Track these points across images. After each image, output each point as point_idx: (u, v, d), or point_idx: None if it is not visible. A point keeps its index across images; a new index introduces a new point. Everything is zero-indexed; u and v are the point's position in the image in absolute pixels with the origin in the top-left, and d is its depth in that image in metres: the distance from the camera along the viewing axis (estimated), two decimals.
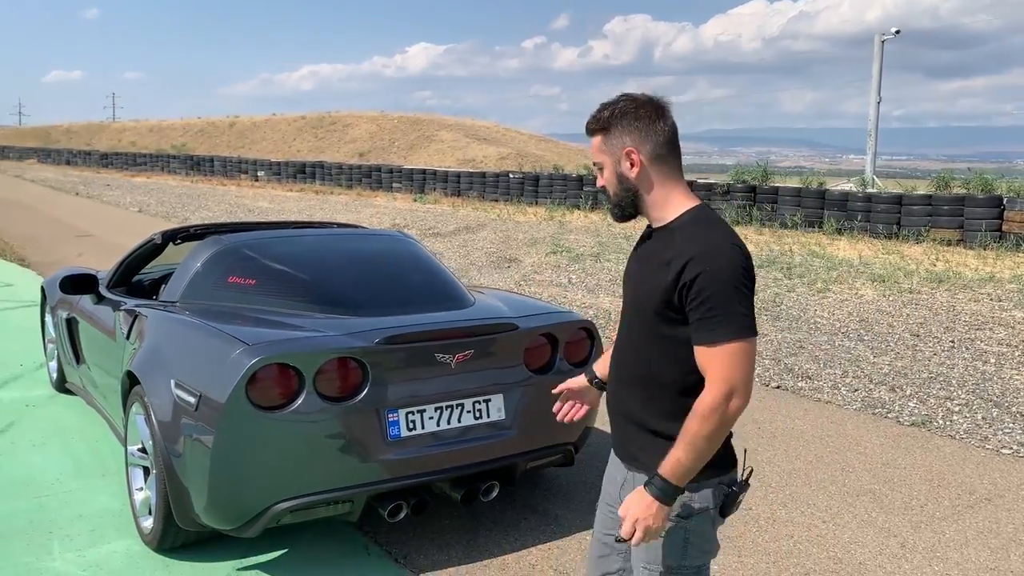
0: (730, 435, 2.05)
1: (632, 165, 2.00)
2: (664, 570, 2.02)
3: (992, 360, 7.10)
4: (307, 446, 3.14)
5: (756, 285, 1.98)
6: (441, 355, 3.37)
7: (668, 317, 1.96)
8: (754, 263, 1.98)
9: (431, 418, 3.36)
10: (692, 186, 19.53)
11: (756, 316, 1.94)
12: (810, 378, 6.52)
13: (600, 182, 2.10)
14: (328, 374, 3.18)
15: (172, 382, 3.30)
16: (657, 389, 2.01)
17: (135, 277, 5.07)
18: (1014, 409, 5.68)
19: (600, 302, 9.50)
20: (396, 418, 3.29)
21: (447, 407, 3.40)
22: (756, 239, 15.29)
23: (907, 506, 4.12)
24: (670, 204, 2.01)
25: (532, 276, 11.38)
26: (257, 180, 34.71)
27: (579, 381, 2.44)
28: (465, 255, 13.56)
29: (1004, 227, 15.02)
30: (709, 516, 2.03)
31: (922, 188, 18.06)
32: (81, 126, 73.87)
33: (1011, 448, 4.94)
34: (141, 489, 3.67)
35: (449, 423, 3.40)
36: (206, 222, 6.28)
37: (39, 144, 61.73)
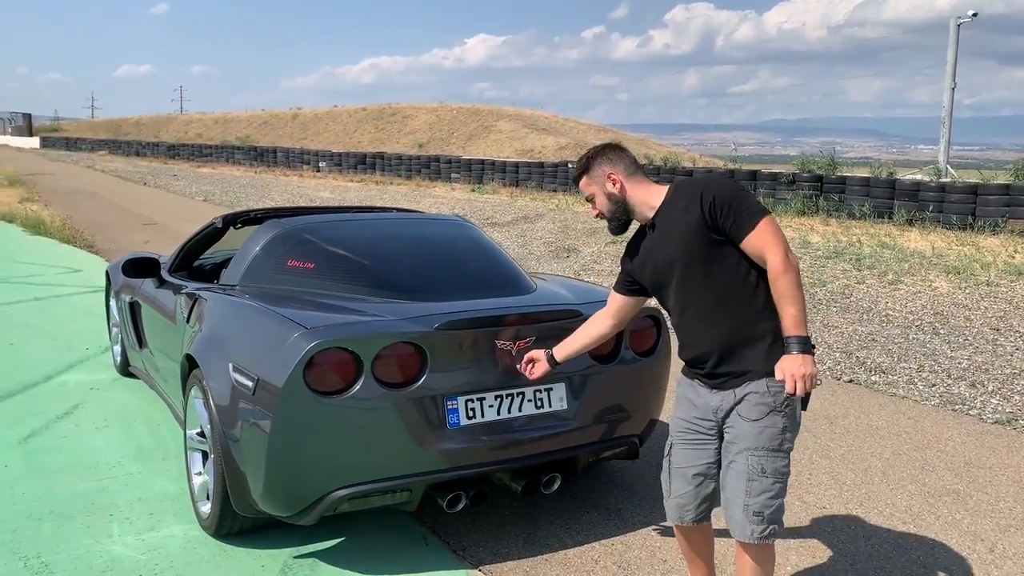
0: None
1: (614, 183, 2.69)
2: (767, 451, 2.51)
3: None
4: (365, 433, 3.06)
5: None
6: (502, 342, 3.25)
7: (713, 242, 2.50)
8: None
9: (491, 406, 3.25)
10: (756, 176, 19.27)
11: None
12: (884, 372, 6.25)
13: (595, 212, 2.76)
14: (386, 359, 3.09)
15: (230, 365, 3.25)
16: (734, 306, 2.53)
17: (196, 261, 5.08)
18: None
19: None
20: (455, 406, 3.19)
21: (507, 395, 3.29)
22: (823, 230, 14.85)
23: (994, 508, 3.87)
24: (652, 195, 2.67)
25: (591, 266, 11.22)
26: (319, 171, 35.12)
27: (540, 353, 3.13)
28: (523, 245, 13.45)
29: None
30: (796, 405, 2.55)
31: (1000, 178, 17.31)
32: (150, 118, 75.80)
33: None
34: (200, 474, 3.64)
35: (510, 412, 3.29)
36: (266, 206, 6.29)
37: (110, 136, 63.47)
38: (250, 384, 3.10)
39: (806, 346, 2.41)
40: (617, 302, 2.93)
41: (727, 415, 2.60)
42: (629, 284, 2.85)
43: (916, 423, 5.08)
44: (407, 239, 4.16)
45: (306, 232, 4.07)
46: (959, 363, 6.52)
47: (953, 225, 15.70)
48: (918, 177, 18.45)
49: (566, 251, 12.74)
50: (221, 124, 62.25)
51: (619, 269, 2.89)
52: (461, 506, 3.26)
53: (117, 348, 5.85)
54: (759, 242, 2.45)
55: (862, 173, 19.39)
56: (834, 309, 8.60)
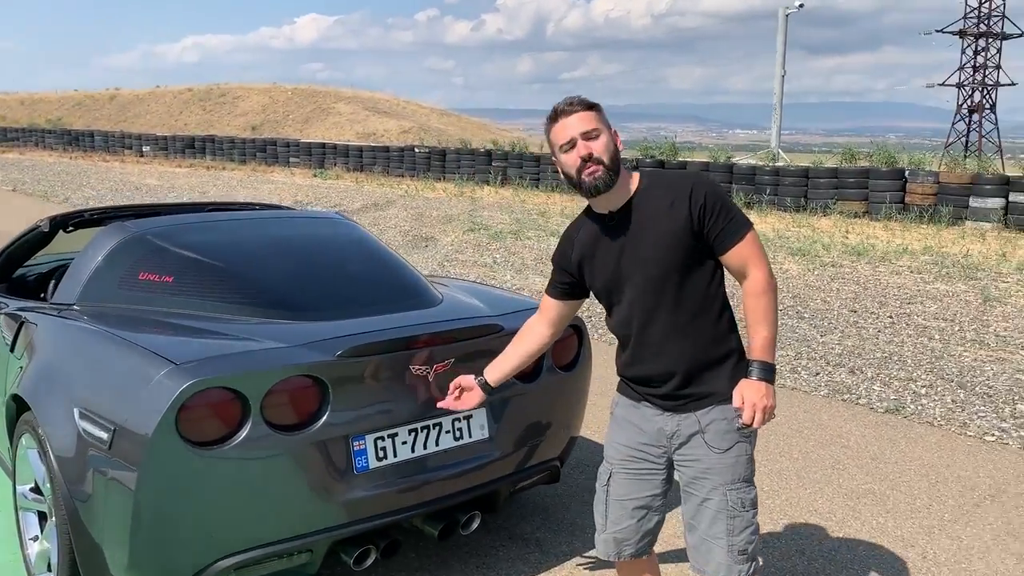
0: None
1: (617, 140, 2.28)
2: (743, 483, 2.29)
3: (936, 336, 6.99)
4: (255, 488, 2.52)
5: None
6: (416, 367, 2.79)
7: (694, 250, 2.22)
8: None
9: (404, 443, 2.79)
10: None
11: None
12: None
13: (586, 150, 2.19)
14: (279, 397, 2.55)
15: (76, 412, 2.61)
16: (704, 322, 2.27)
17: (16, 272, 4.25)
18: (979, 390, 5.50)
19: (531, 283, 9.01)
20: (363, 446, 2.70)
21: (423, 428, 2.83)
22: None
23: (912, 508, 3.79)
24: (624, 178, 2.27)
25: (454, 256, 10.80)
26: (142, 156, 32.69)
27: (470, 380, 2.62)
28: (378, 234, 12.85)
29: (907, 199, 15.34)
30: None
31: (829, 162, 18.29)
32: None
33: (993, 435, 4.71)
34: (36, 539, 2.96)
35: (426, 447, 2.83)
36: (103, 205, 5.45)
37: None
38: (105, 436, 2.48)
39: (771, 375, 2.22)
40: (553, 308, 2.52)
41: (684, 443, 2.31)
42: (567, 286, 2.45)
43: (813, 417, 5.01)
44: (285, 243, 3.55)
45: (159, 237, 3.40)
46: (832, 348, 6.60)
47: (788, 207, 16.45)
48: (754, 162, 19.22)
49: (424, 240, 12.26)
50: (28, 105, 56.86)
51: (484, 260, 2.47)
52: (371, 561, 2.78)
53: None
54: (745, 255, 2.23)
55: (702, 158, 20.01)
56: None
